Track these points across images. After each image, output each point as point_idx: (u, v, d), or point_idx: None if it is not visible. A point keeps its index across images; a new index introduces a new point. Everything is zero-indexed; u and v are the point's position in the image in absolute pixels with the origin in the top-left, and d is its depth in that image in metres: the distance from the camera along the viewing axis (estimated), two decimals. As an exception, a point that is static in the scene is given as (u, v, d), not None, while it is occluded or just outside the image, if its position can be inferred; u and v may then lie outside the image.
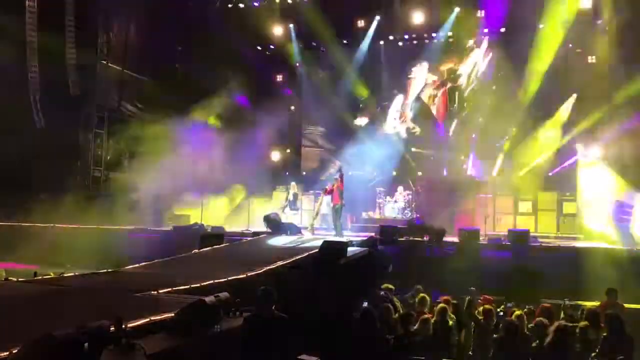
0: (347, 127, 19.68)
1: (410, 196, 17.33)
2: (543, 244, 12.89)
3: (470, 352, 7.03)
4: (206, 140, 17.55)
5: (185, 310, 5.22)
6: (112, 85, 18.24)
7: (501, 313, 7.76)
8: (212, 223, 15.44)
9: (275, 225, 14.27)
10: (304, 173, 20.51)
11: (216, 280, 7.48)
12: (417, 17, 18.72)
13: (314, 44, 19.95)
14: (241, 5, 19.82)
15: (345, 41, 19.56)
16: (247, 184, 17.73)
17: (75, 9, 16.75)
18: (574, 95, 16.92)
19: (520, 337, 6.35)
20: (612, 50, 15.78)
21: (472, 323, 7.17)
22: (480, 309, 7.38)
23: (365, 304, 7.36)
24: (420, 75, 19.52)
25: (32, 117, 15.86)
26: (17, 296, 6.80)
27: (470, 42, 18.88)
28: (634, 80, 14.97)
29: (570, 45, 17.07)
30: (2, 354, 3.98)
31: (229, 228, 14.72)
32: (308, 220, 16.20)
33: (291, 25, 19.78)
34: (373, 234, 13.27)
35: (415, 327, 6.67)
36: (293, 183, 17.53)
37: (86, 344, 4.01)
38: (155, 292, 6.80)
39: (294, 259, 9.76)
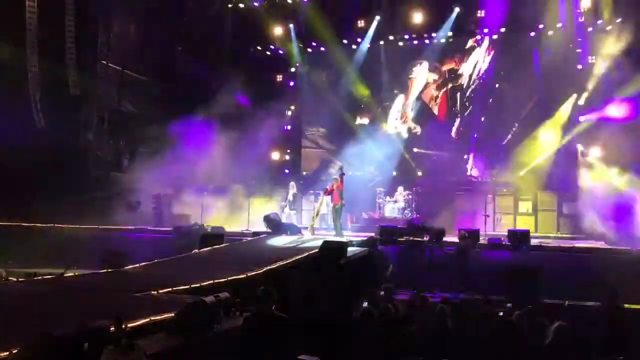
0: (348, 127, 19.65)
1: (410, 196, 17.33)
2: (543, 244, 12.89)
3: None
4: (206, 140, 17.55)
5: (185, 310, 5.23)
6: (112, 85, 18.22)
7: (501, 313, 7.75)
8: (212, 223, 15.44)
9: (275, 225, 14.29)
10: (304, 173, 20.50)
11: (216, 280, 7.49)
12: (417, 17, 18.69)
13: (314, 44, 19.94)
14: (241, 5, 19.81)
15: (345, 41, 19.55)
16: (247, 184, 17.72)
17: (75, 9, 16.73)
18: (574, 95, 16.91)
19: (520, 338, 6.35)
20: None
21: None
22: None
23: (365, 304, 7.36)
24: (421, 75, 19.51)
25: (32, 117, 15.84)
26: (17, 296, 6.81)
27: (471, 42, 18.86)
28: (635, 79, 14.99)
29: (570, 45, 17.03)
30: (2, 354, 3.98)
31: (229, 228, 14.72)
32: (308, 220, 16.19)
33: (291, 25, 19.75)
34: (373, 234, 13.28)
35: (415, 328, 6.67)
36: (292, 183, 17.53)
37: (86, 344, 4.01)
38: (155, 292, 6.82)
39: (294, 259, 9.78)
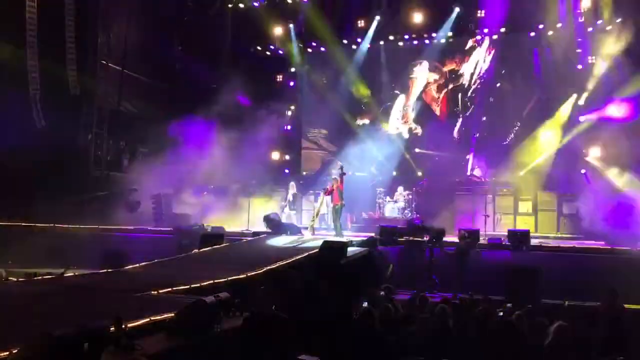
0: (348, 128, 19.66)
1: (410, 196, 17.33)
2: (543, 244, 12.89)
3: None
4: (206, 140, 17.55)
5: (185, 310, 5.23)
6: (112, 85, 18.23)
7: (501, 313, 7.75)
8: (212, 223, 15.43)
9: (275, 225, 14.29)
10: (304, 173, 20.50)
11: (216, 280, 7.49)
12: (417, 17, 18.69)
13: (314, 44, 19.95)
14: (241, 5, 19.82)
15: (345, 41, 19.55)
16: (247, 184, 17.71)
17: (75, 9, 16.73)
18: (574, 95, 16.91)
19: (520, 338, 6.35)
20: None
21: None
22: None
23: (365, 304, 7.36)
24: (422, 75, 19.50)
25: (32, 117, 15.84)
26: (17, 296, 6.81)
27: (471, 42, 18.86)
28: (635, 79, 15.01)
29: (570, 45, 17.03)
30: (2, 354, 3.98)
31: (229, 228, 14.72)
32: (308, 221, 16.19)
33: (291, 25, 19.76)
34: (373, 234, 13.28)
35: (415, 328, 6.66)
36: (292, 183, 17.53)
37: (86, 344, 4.01)
38: (155, 292, 6.81)
39: (294, 259, 9.79)
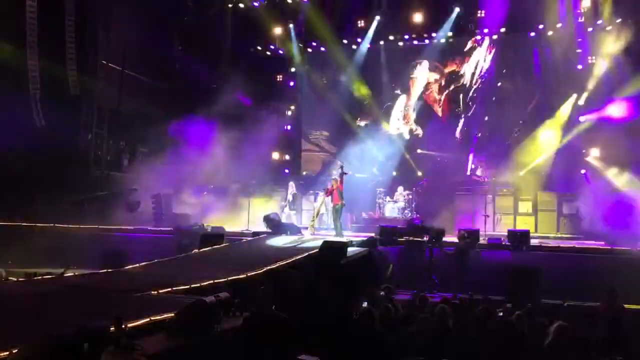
0: (349, 128, 19.65)
1: (410, 196, 17.33)
2: (543, 244, 12.89)
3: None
4: (206, 140, 17.55)
5: (185, 310, 5.23)
6: (112, 85, 18.23)
7: (501, 313, 7.75)
8: (212, 223, 15.44)
9: (275, 225, 14.30)
10: (304, 173, 20.49)
11: (216, 280, 7.50)
12: (417, 17, 18.68)
13: (314, 44, 19.95)
14: (241, 5, 19.82)
15: (345, 41, 19.55)
16: (247, 184, 17.71)
17: (75, 8, 16.73)
18: (574, 95, 16.91)
19: (520, 338, 6.35)
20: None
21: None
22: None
23: (365, 304, 7.36)
24: (422, 75, 19.49)
25: (32, 117, 15.84)
26: (17, 296, 6.81)
27: (471, 43, 18.84)
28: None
29: (570, 45, 17.03)
30: (2, 354, 3.98)
31: (229, 228, 14.72)
32: (308, 220, 16.19)
33: (291, 25, 19.75)
34: (373, 234, 13.28)
35: (415, 328, 6.67)
36: (292, 183, 17.53)
37: (86, 344, 4.01)
38: (155, 292, 6.82)
39: (294, 259, 9.79)
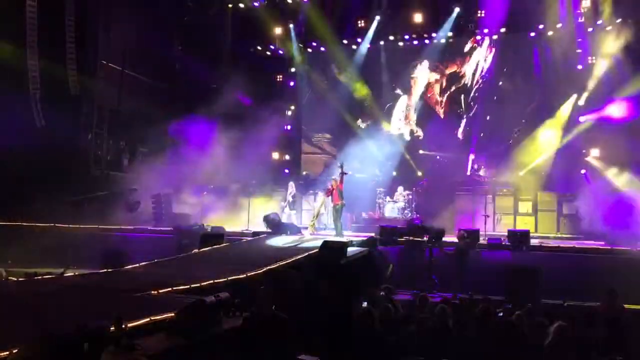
0: (349, 128, 19.62)
1: (410, 196, 17.32)
2: (543, 244, 12.89)
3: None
4: (206, 140, 17.55)
5: (185, 310, 5.23)
6: (112, 85, 18.23)
7: (501, 313, 7.76)
8: (212, 223, 15.44)
9: (275, 225, 14.30)
10: (305, 173, 20.48)
11: (216, 280, 7.50)
12: (417, 17, 18.67)
13: (314, 44, 19.95)
14: (241, 5, 19.81)
15: (345, 41, 19.55)
16: (247, 183, 17.71)
17: (75, 8, 16.74)
18: (574, 96, 16.91)
19: (520, 338, 6.35)
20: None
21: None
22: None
23: (365, 304, 7.36)
24: (423, 74, 19.47)
25: (32, 117, 15.84)
26: (17, 296, 6.81)
27: (471, 44, 18.82)
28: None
29: (570, 45, 17.02)
30: (2, 354, 3.98)
31: (229, 228, 14.72)
32: (308, 220, 16.18)
33: (291, 25, 19.75)
34: (373, 234, 13.28)
35: (415, 328, 6.67)
36: (291, 183, 17.53)
37: (86, 344, 4.01)
38: (155, 292, 6.82)
39: (294, 259, 9.79)
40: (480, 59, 18.74)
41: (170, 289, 6.99)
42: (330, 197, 14.37)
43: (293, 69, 20.48)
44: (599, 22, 16.42)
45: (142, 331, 4.93)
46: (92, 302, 6.37)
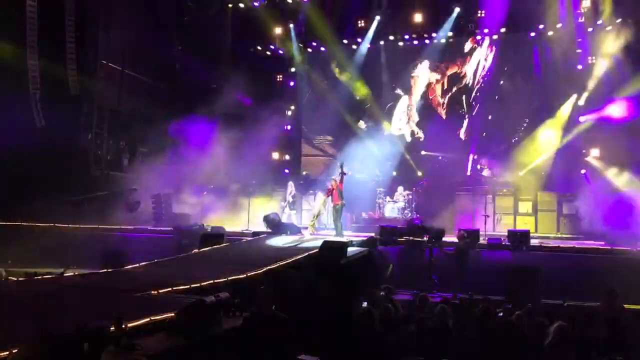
0: (349, 128, 19.61)
1: (410, 196, 17.32)
2: (543, 244, 12.89)
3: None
4: (206, 140, 17.55)
5: (185, 310, 5.23)
6: (112, 85, 18.23)
7: (501, 313, 7.76)
8: (212, 223, 15.44)
9: (275, 225, 14.30)
10: (305, 173, 20.48)
11: (216, 280, 7.50)
12: (417, 17, 18.67)
13: (314, 44, 19.95)
14: (241, 5, 19.82)
15: (345, 41, 19.55)
16: (247, 183, 17.72)
17: (75, 8, 16.74)
18: (574, 96, 16.91)
19: (520, 338, 6.35)
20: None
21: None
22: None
23: (365, 304, 7.36)
24: (423, 74, 19.46)
25: (32, 117, 15.85)
26: (17, 296, 6.81)
27: (471, 44, 18.81)
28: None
29: (570, 45, 17.02)
30: (2, 354, 3.98)
31: (229, 228, 14.73)
32: (308, 221, 16.19)
33: (291, 25, 19.75)
34: (373, 234, 13.28)
35: (414, 328, 6.67)
36: (291, 182, 17.53)
37: (86, 344, 4.01)
38: (155, 292, 6.82)
39: (294, 259, 9.79)
40: (480, 58, 18.73)
41: (170, 289, 6.99)
42: (330, 197, 14.37)
43: (293, 69, 20.48)
44: (599, 22, 16.42)
45: (142, 331, 4.93)
46: (92, 302, 6.37)
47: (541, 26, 17.27)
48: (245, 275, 8.14)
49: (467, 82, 18.93)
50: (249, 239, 13.20)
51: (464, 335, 6.63)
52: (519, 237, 12.52)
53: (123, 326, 4.49)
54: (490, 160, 18.10)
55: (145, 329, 5.02)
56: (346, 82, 19.69)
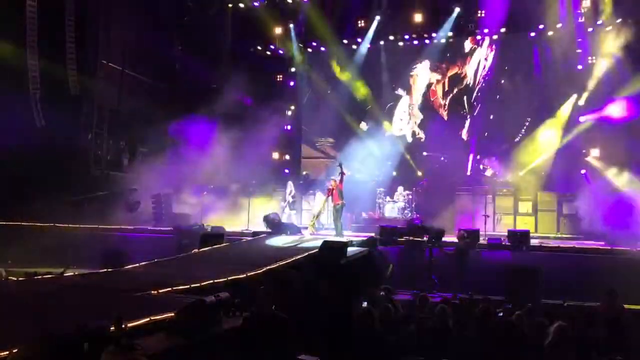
0: (349, 129, 19.59)
1: (410, 196, 17.32)
2: (543, 244, 12.89)
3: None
4: (206, 140, 17.55)
5: (185, 310, 5.23)
6: (112, 85, 18.23)
7: (501, 313, 7.76)
8: (212, 223, 15.44)
9: (275, 225, 14.30)
10: (304, 173, 20.48)
11: (216, 280, 7.50)
12: (417, 17, 18.66)
13: (314, 44, 19.95)
14: (241, 5, 19.81)
15: (345, 41, 19.55)
16: (247, 183, 17.71)
17: (75, 8, 16.74)
18: (574, 96, 16.91)
19: (520, 338, 6.35)
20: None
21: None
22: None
23: (365, 304, 7.36)
24: (423, 73, 19.45)
25: (32, 117, 15.85)
26: (17, 296, 6.81)
27: (471, 45, 18.80)
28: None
29: (570, 45, 17.01)
30: (2, 354, 3.98)
31: (229, 228, 14.73)
32: (308, 221, 16.18)
33: (291, 25, 19.75)
34: (373, 234, 13.28)
35: (414, 328, 6.67)
36: (290, 182, 17.53)
37: (86, 344, 4.01)
38: (155, 292, 6.82)
39: (294, 259, 9.79)
40: (481, 58, 18.72)
41: (170, 289, 6.99)
42: (330, 197, 14.37)
43: (293, 69, 20.47)
44: (599, 22, 16.42)
45: (142, 331, 4.93)
46: (92, 302, 6.37)
47: (541, 26, 17.26)
48: (245, 275, 8.14)
49: (467, 83, 18.91)
50: (249, 239, 13.20)
51: (464, 335, 6.64)
52: (519, 237, 12.52)
53: (123, 326, 4.49)
54: (493, 160, 18.07)
55: (145, 329, 5.02)
56: (346, 82, 19.68)
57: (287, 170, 20.07)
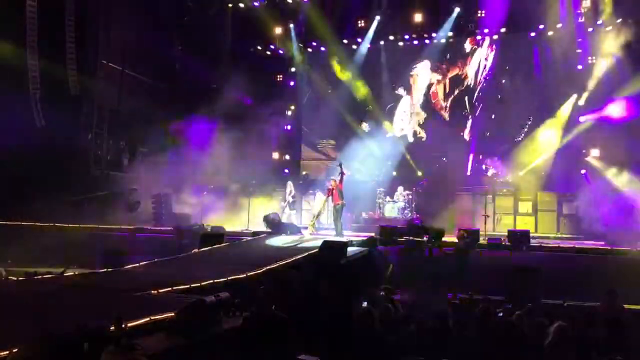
0: (348, 127, 19.60)
1: (410, 196, 17.32)
2: (543, 244, 12.89)
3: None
4: (206, 140, 17.55)
5: (185, 310, 5.23)
6: (112, 85, 18.23)
7: (501, 313, 7.75)
8: (212, 223, 15.44)
9: (275, 225, 14.31)
10: (304, 173, 20.47)
11: (216, 280, 7.50)
12: (417, 17, 18.67)
13: (314, 44, 19.95)
14: (241, 5, 19.82)
15: (345, 41, 19.55)
16: (247, 183, 17.71)
17: (75, 8, 16.74)
18: (574, 96, 16.91)
19: (520, 338, 6.34)
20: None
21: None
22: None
23: (365, 304, 7.36)
24: (423, 73, 19.45)
25: (32, 117, 15.85)
26: (17, 295, 6.81)
27: (472, 45, 18.79)
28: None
29: (570, 45, 17.02)
30: (2, 354, 3.98)
31: (229, 228, 14.72)
32: (308, 221, 16.18)
33: (291, 25, 19.76)
34: (373, 234, 13.28)
35: (414, 328, 6.66)
36: (290, 182, 17.53)
37: (86, 344, 4.01)
38: (155, 292, 6.82)
39: (293, 258, 9.80)
40: (481, 58, 18.72)
41: (170, 288, 6.99)
42: (330, 197, 14.37)
43: (293, 69, 20.48)
44: (599, 22, 16.42)
45: (142, 331, 4.93)
46: (92, 302, 6.37)
47: (541, 26, 17.28)
48: (245, 275, 8.14)
49: (468, 83, 18.93)
50: (249, 238, 13.20)
51: (464, 335, 6.63)
52: (519, 237, 12.52)
53: (123, 326, 4.49)
54: (495, 160, 18.05)
55: (145, 329, 5.02)
56: (346, 82, 19.68)
57: (287, 170, 20.07)
